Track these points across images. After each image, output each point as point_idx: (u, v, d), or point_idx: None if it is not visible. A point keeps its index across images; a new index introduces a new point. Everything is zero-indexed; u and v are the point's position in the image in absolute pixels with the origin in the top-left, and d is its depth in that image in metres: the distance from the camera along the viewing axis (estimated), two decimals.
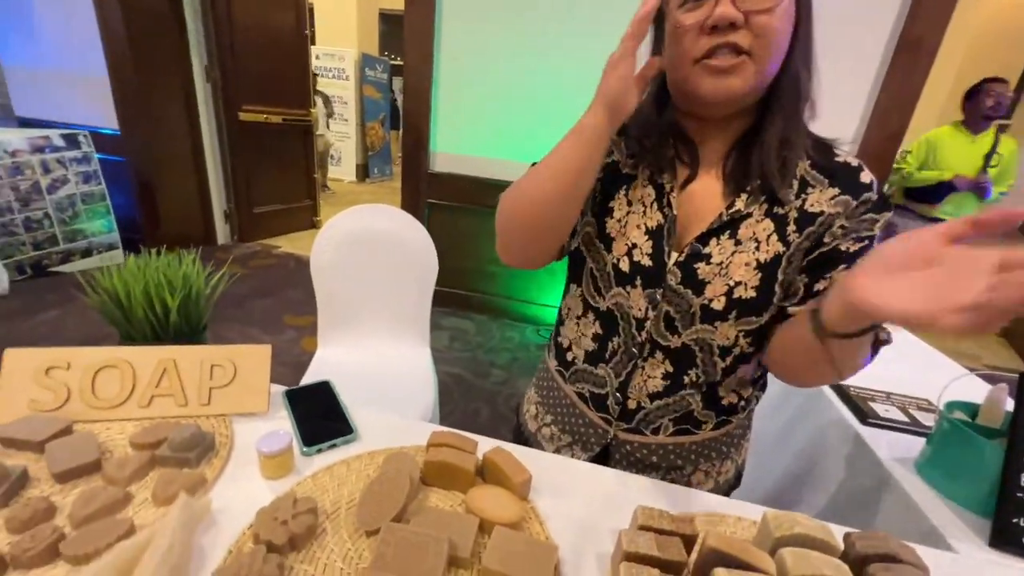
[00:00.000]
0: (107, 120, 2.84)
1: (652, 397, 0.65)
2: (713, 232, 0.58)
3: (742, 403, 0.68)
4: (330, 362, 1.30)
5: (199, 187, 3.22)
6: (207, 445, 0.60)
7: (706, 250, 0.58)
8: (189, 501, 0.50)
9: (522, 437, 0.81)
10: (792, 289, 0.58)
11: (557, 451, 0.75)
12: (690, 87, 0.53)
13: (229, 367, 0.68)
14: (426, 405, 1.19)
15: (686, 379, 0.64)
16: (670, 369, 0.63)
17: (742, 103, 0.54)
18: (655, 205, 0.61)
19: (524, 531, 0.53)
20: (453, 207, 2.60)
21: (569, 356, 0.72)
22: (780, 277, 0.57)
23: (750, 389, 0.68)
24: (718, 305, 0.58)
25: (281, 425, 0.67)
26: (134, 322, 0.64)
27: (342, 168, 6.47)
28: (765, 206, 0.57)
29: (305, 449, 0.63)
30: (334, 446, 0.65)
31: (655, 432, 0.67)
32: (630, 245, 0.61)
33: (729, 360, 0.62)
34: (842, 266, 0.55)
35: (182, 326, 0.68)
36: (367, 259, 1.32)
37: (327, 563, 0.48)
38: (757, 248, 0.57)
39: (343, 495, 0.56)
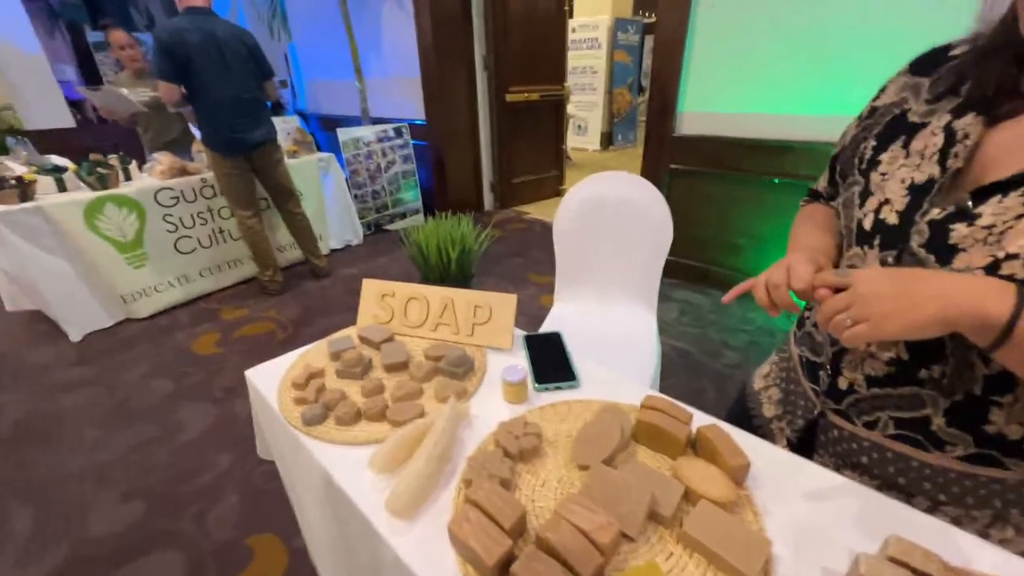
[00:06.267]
0: (417, 112, 3.70)
1: (870, 381, 0.53)
2: (1002, 186, 0.42)
3: None
4: (563, 317, 1.44)
5: (474, 163, 3.90)
6: (469, 366, 0.78)
7: (978, 208, 0.43)
8: (456, 404, 0.67)
9: (743, 397, 0.77)
10: None
11: (769, 420, 0.69)
12: None
13: (487, 309, 0.86)
14: (647, 371, 1.20)
15: (924, 373, 0.49)
16: (902, 355, 0.50)
17: None
18: (935, 157, 0.47)
19: (735, 516, 0.51)
20: (696, 172, 2.41)
21: (805, 313, 0.67)
22: None
23: None
24: None
25: (520, 362, 0.81)
26: (430, 267, 0.87)
27: (587, 137, 6.71)
28: None
29: (536, 385, 0.74)
30: (559, 388, 0.74)
31: (869, 426, 0.55)
32: (882, 200, 0.51)
33: (995, 368, 0.44)
34: None
35: (458, 274, 0.89)
36: (604, 224, 1.38)
37: (545, 479, 0.58)
38: None
39: (562, 430, 0.65)
